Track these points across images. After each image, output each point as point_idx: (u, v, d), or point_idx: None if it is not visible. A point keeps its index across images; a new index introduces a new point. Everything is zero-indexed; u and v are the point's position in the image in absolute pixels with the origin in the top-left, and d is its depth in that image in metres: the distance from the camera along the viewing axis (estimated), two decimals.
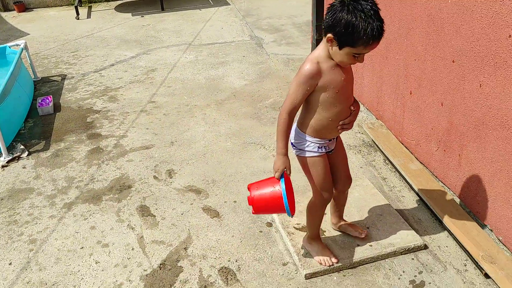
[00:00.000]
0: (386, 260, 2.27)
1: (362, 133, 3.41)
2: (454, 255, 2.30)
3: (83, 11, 7.16)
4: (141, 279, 2.25)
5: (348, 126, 1.96)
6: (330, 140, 2.02)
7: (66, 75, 4.74)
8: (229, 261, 2.34)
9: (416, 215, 2.58)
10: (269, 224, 2.57)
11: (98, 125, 3.71)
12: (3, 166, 3.19)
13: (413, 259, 2.28)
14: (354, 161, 3.09)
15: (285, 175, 1.92)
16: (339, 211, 2.35)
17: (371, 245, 2.31)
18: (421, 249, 2.32)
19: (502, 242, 2.24)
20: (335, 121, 1.92)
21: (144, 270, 2.30)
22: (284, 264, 2.30)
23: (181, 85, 4.38)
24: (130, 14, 6.89)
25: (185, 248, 2.43)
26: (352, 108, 1.93)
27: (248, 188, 1.98)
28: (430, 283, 2.14)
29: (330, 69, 1.81)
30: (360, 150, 3.22)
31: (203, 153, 3.26)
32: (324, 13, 1.81)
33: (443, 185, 2.69)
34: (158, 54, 5.22)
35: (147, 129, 3.61)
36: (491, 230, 2.31)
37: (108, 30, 6.19)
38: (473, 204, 2.43)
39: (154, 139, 3.46)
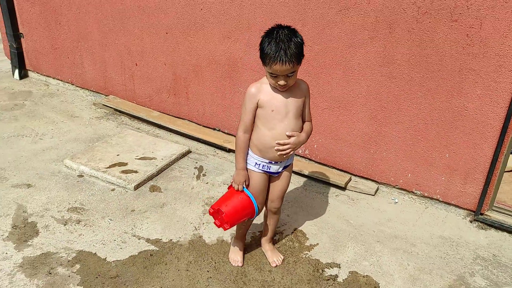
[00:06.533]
0: (175, 164, 3.40)
1: (101, 109, 4.27)
2: (206, 149, 3.67)
3: None
4: (12, 246, 2.52)
5: (282, 148, 2.09)
6: (271, 162, 2.18)
7: None
8: (69, 204, 2.88)
9: (174, 139, 3.79)
10: (81, 176, 3.19)
11: None
12: None
13: (188, 158, 3.50)
14: (108, 126, 3.96)
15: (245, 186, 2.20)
16: (267, 233, 2.49)
17: (162, 158, 3.37)
18: (189, 152, 3.57)
19: (221, 130, 3.76)
20: (272, 139, 2.08)
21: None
22: (112, 190, 3.06)
23: None
24: None
25: (24, 211, 2.78)
26: (287, 134, 2.08)
27: (216, 210, 2.16)
28: (205, 164, 3.43)
29: (270, 89, 2.05)
30: (108, 118, 4.10)
31: None
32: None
33: (179, 118, 3.99)
34: None
35: None
36: (219, 129, 3.80)
37: None
38: (202, 119, 3.86)
39: None
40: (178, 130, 3.83)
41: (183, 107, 3.92)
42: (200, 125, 3.89)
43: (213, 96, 3.69)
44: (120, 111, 4.17)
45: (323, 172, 3.29)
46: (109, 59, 4.18)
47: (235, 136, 3.71)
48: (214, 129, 3.83)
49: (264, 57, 1.93)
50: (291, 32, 1.93)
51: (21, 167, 3.25)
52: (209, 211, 2.20)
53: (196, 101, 3.82)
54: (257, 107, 2.08)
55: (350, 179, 3.26)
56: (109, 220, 2.75)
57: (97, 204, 2.90)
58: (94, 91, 4.48)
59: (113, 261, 2.43)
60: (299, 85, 2.12)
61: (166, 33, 3.71)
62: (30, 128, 3.83)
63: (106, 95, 4.39)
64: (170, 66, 3.82)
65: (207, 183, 3.20)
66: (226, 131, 3.78)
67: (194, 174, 3.30)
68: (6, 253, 2.44)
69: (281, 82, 1.97)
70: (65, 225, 2.69)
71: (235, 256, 2.47)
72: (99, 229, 2.67)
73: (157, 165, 3.28)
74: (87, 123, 3.99)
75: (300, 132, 2.15)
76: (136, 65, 4.02)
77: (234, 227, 2.40)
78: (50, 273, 2.32)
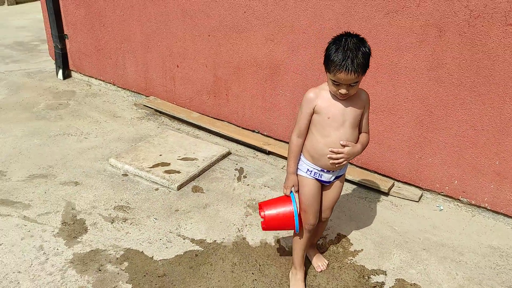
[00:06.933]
0: (216, 165, 3.43)
1: (141, 109, 4.35)
2: (245, 150, 3.69)
3: None
4: (62, 242, 2.60)
5: (336, 157, 2.03)
6: (323, 170, 2.12)
7: None
8: (115, 202, 2.94)
9: (214, 140, 3.82)
10: (125, 175, 3.25)
11: None
12: None
13: (228, 159, 3.52)
14: (150, 126, 4.03)
15: (293, 192, 2.17)
16: (313, 239, 2.45)
17: (204, 159, 3.40)
18: (229, 154, 3.59)
19: (261, 133, 3.77)
20: (325, 147, 2.03)
21: (56, 236, 2.63)
22: (156, 190, 3.10)
23: None
24: None
25: (73, 209, 2.85)
26: (342, 143, 2.02)
27: (260, 207, 2.18)
28: (245, 166, 3.45)
29: (329, 96, 2.01)
30: (149, 119, 4.17)
31: (18, 153, 3.46)
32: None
33: (218, 120, 4.03)
34: None
35: None
36: (258, 131, 3.81)
37: None
38: (242, 121, 3.87)
39: None
40: (218, 132, 3.86)
41: (223, 109, 3.95)
42: (239, 127, 3.91)
43: (254, 98, 3.71)
44: (160, 112, 4.23)
45: (365, 177, 3.25)
46: (151, 60, 4.25)
47: (274, 139, 3.75)
48: (254, 131, 3.84)
49: (329, 64, 1.88)
50: (360, 41, 1.88)
51: (68, 165, 3.34)
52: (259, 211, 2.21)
53: (236, 103, 3.84)
54: (313, 112, 2.04)
55: (393, 185, 3.20)
56: (154, 219, 2.80)
57: (142, 203, 2.95)
58: (135, 92, 4.56)
59: (159, 260, 2.47)
60: (359, 94, 2.06)
61: (209, 36, 3.75)
62: (75, 127, 3.93)
63: (147, 96, 4.47)
64: (211, 68, 3.86)
65: (248, 185, 3.21)
66: (265, 133, 3.78)
67: (235, 175, 3.32)
68: (57, 249, 2.51)
69: (343, 91, 1.92)
70: (112, 223, 2.75)
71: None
72: (145, 227, 2.72)
73: (198, 166, 3.32)
74: (129, 123, 4.06)
75: (356, 143, 2.09)
76: (178, 66, 4.08)
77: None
78: (100, 270, 2.38)
